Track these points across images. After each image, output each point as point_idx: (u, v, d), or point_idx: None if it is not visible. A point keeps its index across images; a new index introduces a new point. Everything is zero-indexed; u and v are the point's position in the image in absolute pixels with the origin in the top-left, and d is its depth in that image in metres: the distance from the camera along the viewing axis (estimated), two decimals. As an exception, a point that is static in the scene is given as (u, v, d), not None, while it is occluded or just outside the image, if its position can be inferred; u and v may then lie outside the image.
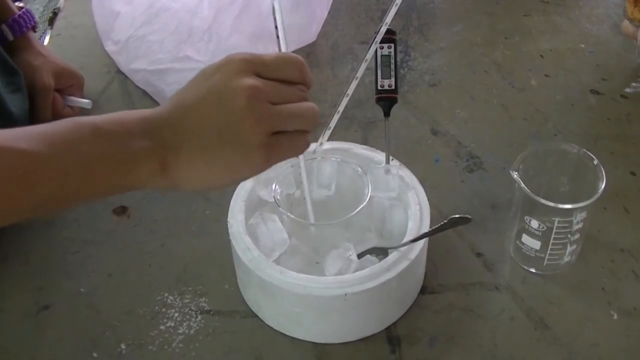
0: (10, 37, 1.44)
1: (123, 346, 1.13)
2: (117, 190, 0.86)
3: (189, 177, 0.86)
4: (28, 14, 1.47)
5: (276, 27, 1.00)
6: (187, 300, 1.19)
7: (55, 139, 0.82)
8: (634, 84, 1.54)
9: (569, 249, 1.17)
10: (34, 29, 1.49)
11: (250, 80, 0.84)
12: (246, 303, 1.18)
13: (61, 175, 0.81)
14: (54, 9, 1.87)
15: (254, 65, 0.86)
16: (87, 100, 1.52)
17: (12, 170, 0.79)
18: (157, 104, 1.54)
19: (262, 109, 0.84)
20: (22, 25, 1.45)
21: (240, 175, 0.87)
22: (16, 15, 1.44)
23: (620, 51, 1.67)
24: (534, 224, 1.14)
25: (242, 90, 0.84)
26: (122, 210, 1.33)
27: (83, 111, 1.51)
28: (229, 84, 0.84)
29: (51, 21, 1.84)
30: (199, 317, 1.16)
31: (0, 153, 0.78)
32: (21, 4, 1.48)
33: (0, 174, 0.78)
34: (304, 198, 1.16)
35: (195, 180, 0.86)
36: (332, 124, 1.20)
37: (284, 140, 0.87)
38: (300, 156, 1.12)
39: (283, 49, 1.01)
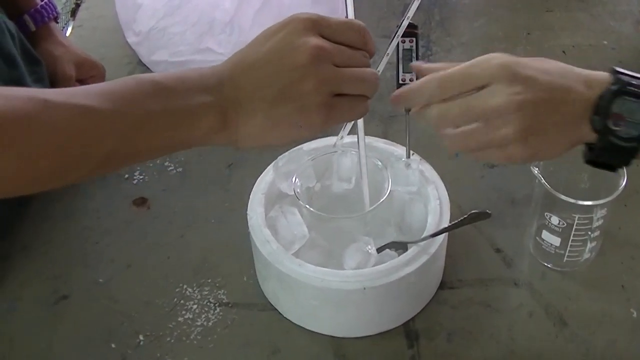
0: (33, 27, 1.44)
1: (141, 337, 1.13)
2: (179, 146, 0.87)
3: (248, 134, 0.87)
4: (50, 5, 1.47)
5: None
6: (205, 292, 1.19)
7: (117, 96, 0.82)
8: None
9: (588, 245, 1.16)
10: (55, 19, 1.49)
11: (315, 40, 0.85)
12: (264, 296, 1.18)
13: (124, 130, 0.82)
14: (76, 0, 1.87)
15: (320, 26, 0.87)
16: None
17: (76, 127, 0.80)
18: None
19: (326, 69, 0.86)
20: (44, 15, 1.45)
21: (299, 133, 0.88)
22: (38, 6, 1.45)
23: (642, 47, 1.66)
24: (554, 220, 1.13)
25: (307, 49, 0.85)
26: (141, 202, 1.34)
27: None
28: (293, 41, 0.85)
29: (73, 12, 1.85)
30: (217, 309, 1.16)
31: (64, 110, 0.79)
32: (43, -5, 1.49)
33: (64, 130, 0.79)
34: (361, 175, 1.15)
35: (254, 137, 0.87)
36: (353, 118, 1.20)
37: (345, 102, 0.88)
38: (360, 123, 1.11)
39: (350, 16, 1.01)
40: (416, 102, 0.94)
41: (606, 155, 0.91)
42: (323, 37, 0.87)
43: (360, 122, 1.11)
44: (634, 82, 0.89)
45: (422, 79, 0.95)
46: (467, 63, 0.91)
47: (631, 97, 0.88)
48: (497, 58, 0.90)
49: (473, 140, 0.91)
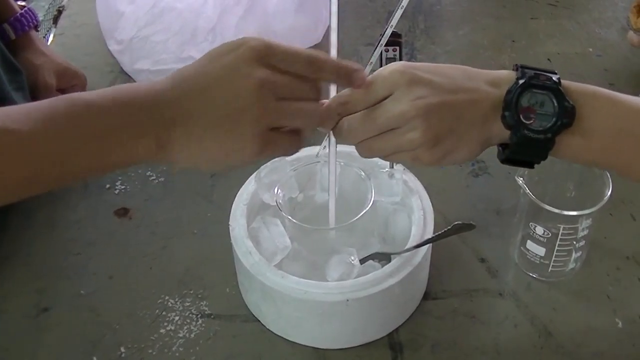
0: (12, 36, 1.43)
1: (123, 349, 1.12)
2: (112, 166, 0.86)
3: (181, 156, 0.86)
4: (30, 13, 1.46)
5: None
6: (188, 304, 1.18)
7: (46, 116, 0.81)
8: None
9: (574, 255, 1.15)
10: (36, 28, 1.48)
11: (261, 71, 0.84)
12: (247, 307, 1.17)
13: (47, 153, 0.80)
14: (58, 7, 1.87)
15: (269, 55, 0.86)
16: None
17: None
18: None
19: (267, 102, 0.85)
20: (24, 24, 1.44)
21: (231, 161, 0.87)
22: (18, 14, 1.44)
23: (628, 55, 1.66)
24: (539, 230, 1.13)
25: (252, 79, 0.84)
26: (124, 212, 1.33)
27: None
28: (239, 69, 0.84)
29: (55, 19, 1.84)
30: (200, 321, 1.15)
31: None
32: (23, 3, 1.48)
33: None
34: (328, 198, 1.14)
35: (186, 159, 0.87)
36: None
37: (279, 138, 0.88)
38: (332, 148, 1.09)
39: (333, 26, 1.00)
40: (329, 122, 0.95)
41: (522, 150, 0.92)
42: (272, 65, 0.86)
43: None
44: (539, 74, 0.91)
45: (330, 99, 0.96)
46: (369, 76, 0.92)
47: (539, 89, 0.90)
48: (396, 66, 0.91)
49: (381, 147, 0.93)
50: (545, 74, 0.92)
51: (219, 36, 1.50)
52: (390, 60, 1.16)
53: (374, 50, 1.09)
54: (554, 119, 0.90)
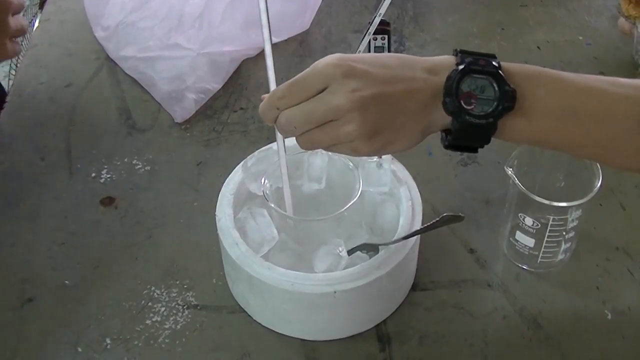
0: None
1: (108, 340, 1.11)
2: None
3: None
4: None
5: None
6: (174, 295, 1.17)
7: None
8: (634, 81, 1.52)
9: (563, 246, 1.15)
10: None
11: None
12: (234, 298, 1.16)
13: None
14: (44, -7, 1.85)
15: None
16: None
17: None
18: (146, 92, 1.52)
19: None
20: None
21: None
22: None
23: (618, 44, 1.65)
24: (528, 221, 1.12)
25: None
26: (109, 201, 1.31)
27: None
28: None
29: (42, 4, 1.82)
30: (186, 312, 1.15)
31: None
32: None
33: None
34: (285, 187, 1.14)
35: None
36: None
37: None
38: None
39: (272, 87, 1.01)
40: (270, 115, 0.95)
41: (465, 135, 0.93)
42: None
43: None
44: (478, 59, 0.91)
45: (269, 93, 0.96)
46: (303, 72, 0.92)
47: (478, 74, 0.90)
48: (331, 59, 0.91)
49: (321, 139, 0.92)
50: (484, 58, 0.92)
51: (206, 23, 1.49)
52: (378, 49, 1.15)
53: (362, 39, 1.09)
54: (495, 104, 0.90)
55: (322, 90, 0.90)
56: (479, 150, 0.94)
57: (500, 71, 0.90)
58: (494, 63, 0.91)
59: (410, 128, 0.92)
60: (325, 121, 0.90)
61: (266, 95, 0.95)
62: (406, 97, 0.90)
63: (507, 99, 0.90)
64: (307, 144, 0.94)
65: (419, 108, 0.91)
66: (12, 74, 2.09)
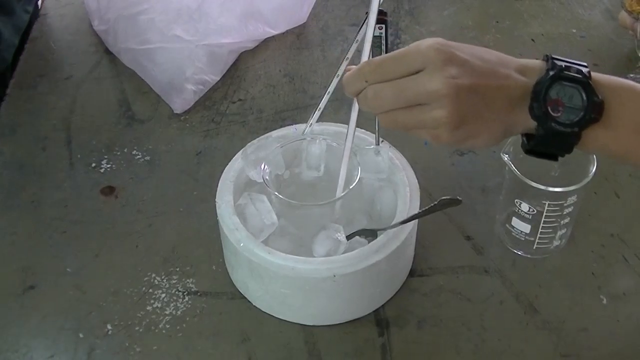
0: None
1: (109, 327, 1.12)
2: None
3: None
4: None
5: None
6: (174, 281, 1.18)
7: None
8: (630, 75, 1.53)
9: (558, 232, 1.16)
10: None
11: None
12: (234, 284, 1.17)
13: None
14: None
15: None
16: None
17: None
18: (146, 83, 1.53)
19: None
20: None
21: None
22: None
23: (612, 36, 1.66)
24: (524, 207, 1.13)
25: None
26: (109, 190, 1.32)
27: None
28: None
29: (41, -1, 1.83)
30: (186, 298, 1.16)
31: None
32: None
33: None
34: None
35: None
36: (322, 105, 1.19)
37: None
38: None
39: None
40: (356, 86, 0.94)
41: (548, 142, 0.91)
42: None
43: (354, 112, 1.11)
44: (569, 67, 0.89)
45: (361, 64, 0.95)
46: (403, 48, 0.91)
47: (568, 82, 0.88)
48: (434, 42, 0.89)
49: (405, 120, 0.91)
50: (575, 66, 0.90)
51: (205, 15, 1.50)
52: (376, 38, 1.16)
53: (360, 27, 1.10)
54: (582, 113, 0.88)
55: (418, 72, 0.88)
56: None
57: (590, 81, 0.89)
58: (584, 71, 0.89)
59: (495, 125, 0.90)
60: (415, 103, 0.89)
61: (354, 66, 0.94)
62: (498, 93, 0.89)
63: (595, 109, 0.88)
64: (390, 122, 0.93)
65: (507, 107, 0.90)
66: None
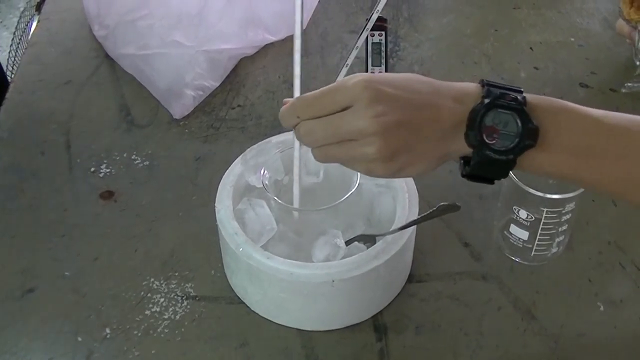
0: None
1: (108, 330, 1.12)
2: None
3: None
4: None
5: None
6: (173, 286, 1.18)
7: None
8: (628, 84, 1.53)
9: (556, 239, 1.17)
10: None
11: None
12: (232, 289, 1.17)
13: None
14: (43, -8, 1.86)
15: None
16: None
17: None
18: (145, 88, 1.53)
19: None
20: None
21: None
22: None
23: (609, 45, 1.67)
24: (523, 214, 1.14)
25: None
26: (108, 195, 1.33)
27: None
28: None
29: (39, 6, 1.83)
30: (185, 303, 1.16)
31: None
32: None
33: None
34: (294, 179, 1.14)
35: None
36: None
37: None
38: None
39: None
40: (290, 121, 0.95)
41: (484, 169, 0.92)
42: None
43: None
44: (504, 94, 0.90)
45: (293, 99, 0.96)
46: (333, 84, 0.92)
47: (503, 109, 0.89)
48: (360, 77, 0.90)
49: (337, 155, 0.92)
50: (510, 93, 0.90)
51: (205, 21, 1.50)
52: (376, 45, 1.17)
53: (360, 34, 1.10)
54: (517, 140, 0.89)
55: (347, 107, 0.89)
56: None
57: (524, 107, 0.89)
58: (519, 98, 0.90)
59: (429, 154, 0.91)
60: (345, 139, 0.90)
61: (288, 100, 0.95)
62: (430, 125, 0.89)
63: (530, 136, 0.89)
64: (323, 157, 0.94)
65: (440, 137, 0.90)
66: (11, 72, 2.10)
